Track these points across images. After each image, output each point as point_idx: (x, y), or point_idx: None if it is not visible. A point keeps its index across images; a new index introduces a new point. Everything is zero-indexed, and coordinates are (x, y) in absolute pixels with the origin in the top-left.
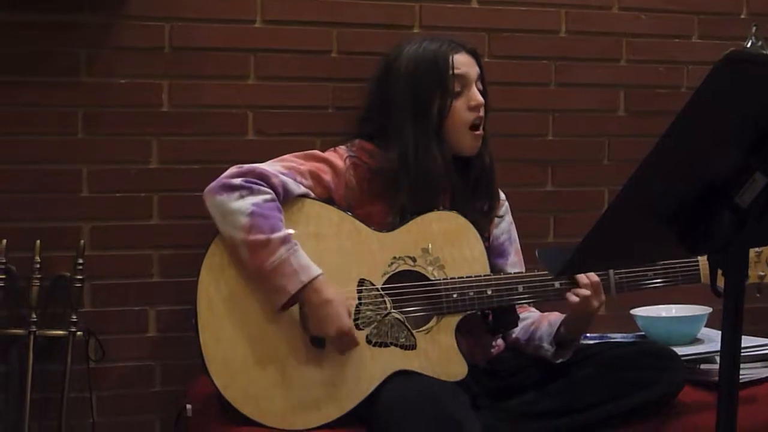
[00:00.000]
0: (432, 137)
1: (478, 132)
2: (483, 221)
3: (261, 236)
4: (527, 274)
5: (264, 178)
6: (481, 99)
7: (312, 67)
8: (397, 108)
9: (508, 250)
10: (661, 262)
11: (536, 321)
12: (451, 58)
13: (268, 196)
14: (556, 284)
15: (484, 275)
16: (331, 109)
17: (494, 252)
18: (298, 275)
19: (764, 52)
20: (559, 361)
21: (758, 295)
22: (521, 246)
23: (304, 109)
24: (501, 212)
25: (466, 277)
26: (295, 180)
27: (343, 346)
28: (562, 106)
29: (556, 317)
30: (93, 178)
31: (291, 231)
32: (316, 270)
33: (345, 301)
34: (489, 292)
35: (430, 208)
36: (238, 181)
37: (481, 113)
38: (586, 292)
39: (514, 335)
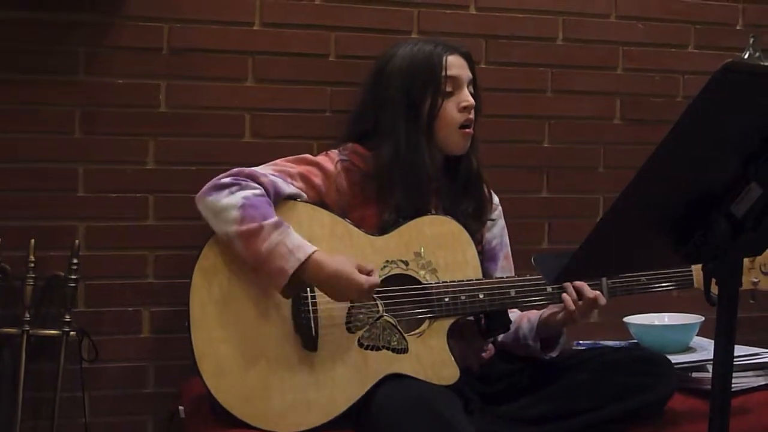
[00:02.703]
0: (422, 134)
1: (467, 131)
2: (473, 224)
3: (253, 224)
4: (519, 278)
5: (253, 178)
6: (471, 101)
7: (310, 71)
8: (391, 104)
9: (498, 255)
10: None
11: (517, 321)
12: (444, 59)
13: (257, 191)
14: (549, 289)
15: (476, 279)
16: (328, 113)
17: (486, 256)
18: (294, 254)
19: (762, 62)
20: (548, 357)
21: (752, 301)
22: (515, 252)
23: (302, 112)
24: (494, 216)
25: (459, 281)
26: (285, 180)
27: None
28: (558, 113)
29: (534, 315)
30: (89, 177)
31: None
32: (311, 247)
33: (349, 262)
34: (481, 296)
35: (423, 209)
36: (227, 179)
37: (471, 115)
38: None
39: (500, 339)
